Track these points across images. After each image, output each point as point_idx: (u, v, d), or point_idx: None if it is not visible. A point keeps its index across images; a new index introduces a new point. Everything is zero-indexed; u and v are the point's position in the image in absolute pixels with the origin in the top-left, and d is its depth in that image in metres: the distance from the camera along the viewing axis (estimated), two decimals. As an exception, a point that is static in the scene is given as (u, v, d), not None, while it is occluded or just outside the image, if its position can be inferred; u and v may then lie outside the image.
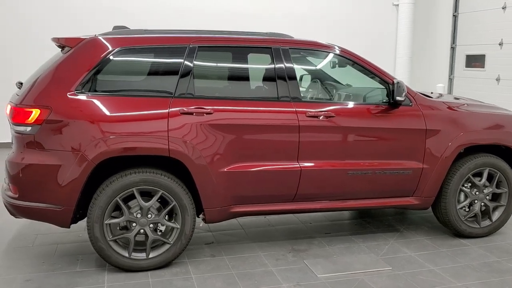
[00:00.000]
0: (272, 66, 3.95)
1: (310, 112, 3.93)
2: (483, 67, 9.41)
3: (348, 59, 4.19)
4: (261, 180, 3.89)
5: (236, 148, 3.78)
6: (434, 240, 4.49)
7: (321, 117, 3.94)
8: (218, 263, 3.92)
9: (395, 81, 4.05)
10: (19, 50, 8.27)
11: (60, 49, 3.85)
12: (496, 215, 4.56)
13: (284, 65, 3.95)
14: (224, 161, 3.77)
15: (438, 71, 10.60)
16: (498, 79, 9.03)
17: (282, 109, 3.89)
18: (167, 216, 3.72)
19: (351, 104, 4.15)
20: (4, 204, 3.71)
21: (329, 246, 4.32)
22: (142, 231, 3.67)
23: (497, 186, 4.51)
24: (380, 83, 4.21)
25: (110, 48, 3.65)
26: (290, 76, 3.95)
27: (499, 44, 9.00)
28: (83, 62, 3.60)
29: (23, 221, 4.76)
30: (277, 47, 3.99)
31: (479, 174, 4.45)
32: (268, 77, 3.99)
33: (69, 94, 3.52)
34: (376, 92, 4.28)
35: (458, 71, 10.25)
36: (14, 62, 8.16)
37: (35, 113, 3.45)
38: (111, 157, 3.53)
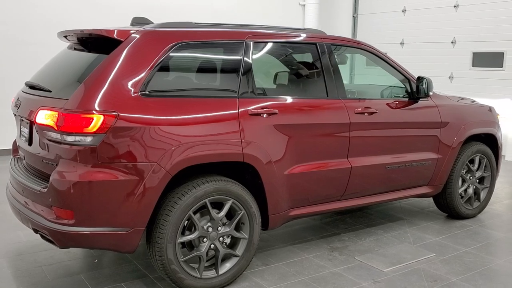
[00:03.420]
0: (320, 62, 3.85)
1: (357, 108, 3.93)
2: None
3: (377, 56, 4.28)
4: (317, 180, 3.79)
5: (297, 149, 3.62)
6: (440, 224, 4.85)
7: (366, 114, 3.98)
8: (279, 271, 3.71)
9: (426, 77, 4.26)
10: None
11: (73, 45, 3.29)
12: (482, 196, 5.10)
13: (330, 62, 3.89)
14: (286, 163, 3.57)
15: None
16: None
17: (336, 106, 3.83)
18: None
19: (386, 100, 4.26)
20: (45, 234, 3.00)
21: (360, 240, 4.38)
22: (212, 246, 3.30)
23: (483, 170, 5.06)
24: (402, 80, 4.39)
25: (170, 43, 3.19)
26: (336, 73, 3.91)
27: (400, 44, 10.00)
28: (143, 58, 3.08)
29: (13, 252, 3.93)
30: (322, 43, 3.90)
31: (471, 161, 4.93)
32: (317, 74, 3.88)
33: (134, 96, 2.99)
34: (397, 87, 4.45)
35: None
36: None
37: (97, 120, 2.85)
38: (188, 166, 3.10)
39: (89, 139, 2.85)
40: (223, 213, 3.30)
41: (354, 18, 11.04)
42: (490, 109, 5.11)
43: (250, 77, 3.46)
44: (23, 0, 7.58)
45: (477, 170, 4.99)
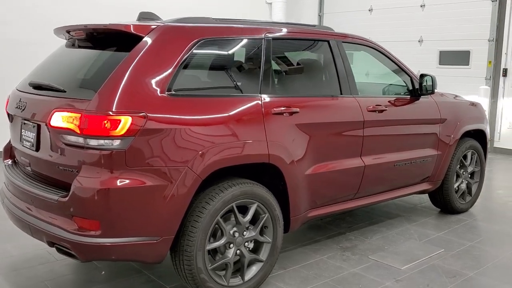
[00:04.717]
0: (333, 59, 3.79)
1: (369, 106, 3.90)
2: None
3: (383, 54, 4.28)
4: (335, 180, 3.73)
5: (317, 148, 3.53)
6: (436, 219, 4.93)
7: (376, 111, 3.95)
8: (299, 274, 3.61)
9: (429, 74, 4.30)
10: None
11: (77, 43, 3.10)
12: (473, 191, 5.23)
13: (342, 59, 3.83)
14: (307, 163, 3.48)
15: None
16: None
17: (351, 104, 3.78)
18: (256, 231, 3.27)
19: (392, 97, 4.26)
20: (65, 247, 2.74)
21: (367, 239, 4.36)
22: (238, 252, 3.16)
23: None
24: (404, 77, 4.41)
25: (193, 39, 3.00)
26: (348, 70, 3.86)
27: (367, 42, 10.13)
28: (168, 55, 2.89)
29: (18, 267, 3.60)
30: (333, 40, 3.84)
31: (464, 157, 5.04)
32: (332, 71, 3.81)
33: (161, 96, 2.79)
34: (399, 84, 4.46)
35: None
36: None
37: (125, 121, 2.63)
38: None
39: (116, 142, 2.63)
40: (249, 217, 3.16)
41: (320, 17, 11.10)
42: (478, 105, 5.25)
43: (270, 74, 3.34)
44: (23, 0, 7.40)
45: (469, 165, 5.11)
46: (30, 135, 3.08)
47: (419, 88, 4.33)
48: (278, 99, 3.32)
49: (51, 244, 2.83)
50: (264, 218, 3.24)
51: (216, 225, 3.02)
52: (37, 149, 3.01)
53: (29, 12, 7.49)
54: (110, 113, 2.61)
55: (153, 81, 2.78)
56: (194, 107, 2.89)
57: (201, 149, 2.84)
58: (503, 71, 8.29)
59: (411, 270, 3.71)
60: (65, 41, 3.52)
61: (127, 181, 2.66)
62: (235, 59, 3.31)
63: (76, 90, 2.87)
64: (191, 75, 3.01)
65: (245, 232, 3.17)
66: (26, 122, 3.13)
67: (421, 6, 9.21)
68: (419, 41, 9.24)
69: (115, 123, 2.61)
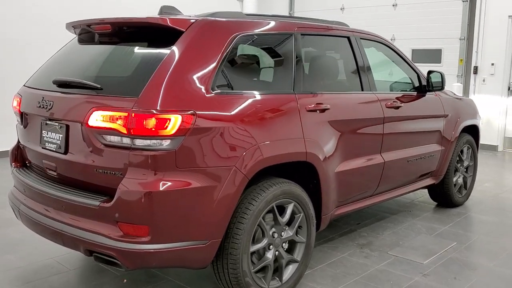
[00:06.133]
0: (354, 55, 3.77)
1: (387, 102, 3.92)
2: None
3: (394, 50, 4.31)
4: (360, 177, 3.73)
5: (345, 146, 3.51)
6: (437, 213, 5.04)
7: (393, 108, 3.98)
8: (327, 273, 3.57)
9: (438, 70, 4.37)
10: None
11: (98, 38, 2.95)
12: (468, 184, 5.39)
13: (362, 55, 3.83)
14: (336, 161, 3.45)
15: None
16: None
17: (373, 100, 3.78)
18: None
19: (404, 94, 4.29)
20: (108, 255, 2.56)
21: (379, 235, 4.38)
22: (277, 253, 3.08)
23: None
24: (412, 74, 4.47)
25: (231, 34, 2.89)
26: (367, 66, 3.86)
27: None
28: (211, 50, 2.77)
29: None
30: (353, 36, 3.83)
31: (461, 151, 5.18)
32: (354, 67, 3.79)
33: (207, 92, 2.67)
34: (406, 81, 4.52)
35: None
36: None
37: (175, 120, 2.49)
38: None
39: (166, 142, 2.48)
40: (287, 216, 3.09)
41: (291, 15, 11.12)
42: (472, 101, 5.42)
43: (302, 70, 3.29)
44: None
45: (465, 160, 5.25)
46: (56, 137, 2.86)
47: (427, 85, 4.39)
48: (310, 96, 3.27)
49: (90, 252, 2.64)
50: (300, 218, 3.18)
51: (258, 227, 2.92)
52: (66, 152, 2.80)
53: (30, 11, 7.35)
54: (155, 111, 2.46)
55: (199, 78, 2.66)
56: (238, 104, 2.79)
57: (248, 148, 2.74)
58: (473, 69, 8.63)
59: (434, 264, 3.75)
60: (76, 36, 3.31)
61: (178, 183, 2.52)
62: (270, 54, 3.22)
63: (115, 88, 2.68)
64: (232, 71, 2.89)
65: (283, 233, 3.09)
66: (49, 122, 2.90)
67: (393, 5, 9.42)
68: (391, 40, 9.44)
69: (164, 122, 2.47)
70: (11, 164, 3.39)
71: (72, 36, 3.44)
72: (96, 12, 7.38)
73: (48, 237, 2.91)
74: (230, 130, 2.69)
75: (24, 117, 3.19)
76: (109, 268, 3.53)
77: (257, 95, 2.93)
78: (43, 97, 2.93)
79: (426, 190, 5.29)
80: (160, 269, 3.52)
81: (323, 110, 3.30)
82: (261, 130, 2.85)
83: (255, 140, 2.78)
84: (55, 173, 2.92)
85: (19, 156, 3.36)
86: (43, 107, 2.90)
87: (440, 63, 8.90)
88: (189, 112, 2.53)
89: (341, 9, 10.20)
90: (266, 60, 3.20)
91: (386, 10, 9.50)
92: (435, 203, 5.33)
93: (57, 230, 2.75)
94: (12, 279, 3.40)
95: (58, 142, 2.84)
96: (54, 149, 2.88)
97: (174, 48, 2.67)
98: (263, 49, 3.18)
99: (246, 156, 2.73)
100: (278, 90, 3.12)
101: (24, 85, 3.33)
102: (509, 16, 8.22)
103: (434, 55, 8.92)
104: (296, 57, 3.25)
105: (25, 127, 3.20)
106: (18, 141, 3.38)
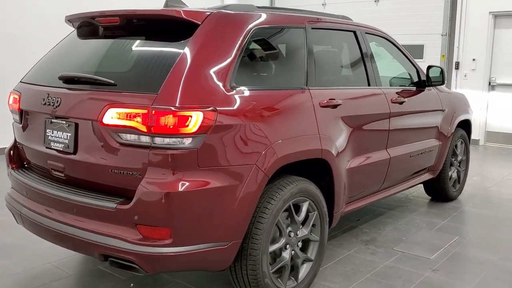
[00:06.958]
0: (360, 50, 3.73)
1: (392, 98, 3.89)
2: None
3: (395, 45, 4.28)
4: (368, 173, 3.69)
5: (355, 142, 3.46)
6: (433, 207, 5.07)
7: (398, 103, 3.96)
8: (336, 271, 3.52)
9: (438, 65, 4.38)
10: None
11: (103, 32, 2.83)
12: (461, 178, 5.45)
13: (368, 50, 3.79)
14: (347, 157, 3.40)
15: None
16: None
17: (380, 95, 3.75)
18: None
19: (406, 88, 4.28)
20: (126, 259, 2.44)
21: (380, 230, 4.37)
22: (293, 252, 3.01)
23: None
24: (411, 69, 4.46)
25: (247, 27, 2.79)
26: (373, 60, 3.83)
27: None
28: (228, 44, 2.66)
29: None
30: (359, 30, 3.78)
31: (455, 146, 5.22)
32: (361, 62, 3.74)
33: (226, 88, 2.56)
34: (406, 76, 4.51)
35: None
36: None
37: (197, 117, 2.38)
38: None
39: (188, 140, 2.37)
40: (303, 215, 3.02)
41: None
42: (464, 96, 5.47)
43: (314, 65, 3.21)
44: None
45: (459, 154, 5.30)
46: (63, 136, 2.70)
47: (426, 80, 4.39)
48: (323, 91, 3.20)
49: (106, 257, 2.51)
50: (314, 216, 3.12)
51: (275, 226, 2.84)
52: (75, 152, 2.65)
53: (29, 6, 7.25)
54: (176, 108, 2.34)
55: (218, 72, 2.55)
56: (256, 100, 2.69)
57: (268, 145, 2.65)
58: (455, 64, 8.75)
59: (441, 259, 3.76)
60: (75, 30, 3.15)
61: (201, 182, 2.41)
62: (284, 49, 3.14)
63: (129, 84, 2.55)
64: (249, 66, 2.80)
65: (298, 232, 3.02)
66: (55, 120, 2.74)
67: (375, 1, 9.47)
68: (374, 35, 9.48)
69: (184, 120, 2.35)
70: (7, 165, 3.20)
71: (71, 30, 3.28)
72: (96, 6, 7.18)
73: (56, 242, 2.75)
74: (251, 127, 2.60)
75: (24, 115, 3.01)
76: (113, 272, 3.40)
77: (275, 90, 2.85)
78: (48, 94, 2.76)
79: (420, 185, 5.31)
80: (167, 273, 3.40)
81: (335, 106, 3.24)
82: (281, 126, 2.77)
83: (275, 137, 2.69)
84: (62, 174, 2.76)
85: (16, 157, 3.18)
86: (49, 104, 2.73)
87: (422, 58, 8.98)
88: (210, 109, 2.42)
89: (322, 4, 10.18)
90: (279, 54, 3.11)
91: (368, 6, 9.53)
92: (429, 197, 5.36)
93: (67, 234, 2.60)
94: (10, 286, 3.22)
95: (66, 141, 2.68)
96: (61, 149, 2.72)
97: (191, 41, 2.55)
98: (278, 42, 3.09)
99: (267, 154, 2.64)
100: (293, 85, 3.04)
101: (21, 81, 3.15)
102: (489, 12, 8.37)
103: (417, 51, 9.00)
104: (308, 51, 3.18)
105: (25, 125, 3.02)
106: (15, 141, 3.19)
